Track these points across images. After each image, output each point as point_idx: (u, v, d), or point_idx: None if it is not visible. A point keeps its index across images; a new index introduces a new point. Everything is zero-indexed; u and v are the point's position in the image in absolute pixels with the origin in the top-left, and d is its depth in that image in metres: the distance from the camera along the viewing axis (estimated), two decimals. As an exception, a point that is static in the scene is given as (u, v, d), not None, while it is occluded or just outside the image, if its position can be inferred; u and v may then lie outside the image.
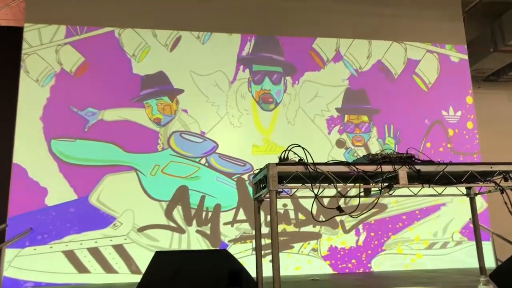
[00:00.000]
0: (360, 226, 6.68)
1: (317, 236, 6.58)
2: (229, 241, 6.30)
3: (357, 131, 7.06)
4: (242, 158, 6.58)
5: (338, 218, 6.67)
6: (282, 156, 3.08)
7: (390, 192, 3.12)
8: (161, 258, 3.39)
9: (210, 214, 6.31)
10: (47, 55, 6.37)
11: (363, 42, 7.36)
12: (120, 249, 5.97)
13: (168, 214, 6.18)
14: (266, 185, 3.24)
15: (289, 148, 3.03)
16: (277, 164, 2.90)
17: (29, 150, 6.02)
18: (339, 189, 2.93)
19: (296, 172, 2.90)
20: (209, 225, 6.28)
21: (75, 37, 6.48)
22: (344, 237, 6.63)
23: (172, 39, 6.77)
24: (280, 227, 6.58)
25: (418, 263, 6.70)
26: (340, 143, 6.97)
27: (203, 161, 6.45)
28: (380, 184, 2.99)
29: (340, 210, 2.87)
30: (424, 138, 7.16)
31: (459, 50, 7.63)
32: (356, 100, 7.16)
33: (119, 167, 6.19)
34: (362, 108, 7.15)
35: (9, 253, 5.70)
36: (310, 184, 2.87)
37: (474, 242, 7.08)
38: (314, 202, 2.91)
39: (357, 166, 2.95)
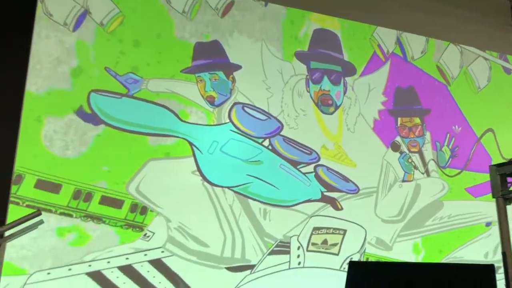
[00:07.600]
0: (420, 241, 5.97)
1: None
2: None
3: (412, 135, 6.37)
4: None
5: (396, 231, 5.93)
6: None
7: None
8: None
9: (269, 211, 5.22)
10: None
11: (419, 38, 6.70)
12: (159, 265, 4.65)
13: (222, 207, 4.98)
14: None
15: None
16: None
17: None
18: None
19: None
20: (266, 226, 5.19)
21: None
22: (397, 254, 5.86)
23: (224, 2, 5.60)
24: (322, 237, 5.68)
25: None
26: (395, 146, 6.22)
27: (265, 143, 5.35)
28: None
29: None
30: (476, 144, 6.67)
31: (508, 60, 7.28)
32: (407, 100, 6.46)
33: (171, 138, 4.93)
34: (414, 109, 6.48)
35: (15, 281, 4.12)
36: None
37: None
38: None
39: None
